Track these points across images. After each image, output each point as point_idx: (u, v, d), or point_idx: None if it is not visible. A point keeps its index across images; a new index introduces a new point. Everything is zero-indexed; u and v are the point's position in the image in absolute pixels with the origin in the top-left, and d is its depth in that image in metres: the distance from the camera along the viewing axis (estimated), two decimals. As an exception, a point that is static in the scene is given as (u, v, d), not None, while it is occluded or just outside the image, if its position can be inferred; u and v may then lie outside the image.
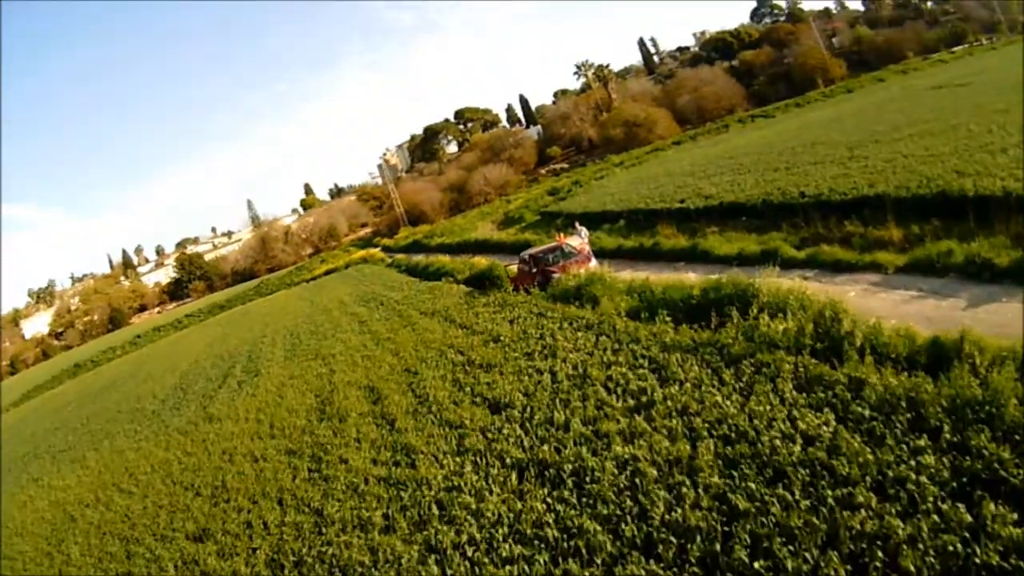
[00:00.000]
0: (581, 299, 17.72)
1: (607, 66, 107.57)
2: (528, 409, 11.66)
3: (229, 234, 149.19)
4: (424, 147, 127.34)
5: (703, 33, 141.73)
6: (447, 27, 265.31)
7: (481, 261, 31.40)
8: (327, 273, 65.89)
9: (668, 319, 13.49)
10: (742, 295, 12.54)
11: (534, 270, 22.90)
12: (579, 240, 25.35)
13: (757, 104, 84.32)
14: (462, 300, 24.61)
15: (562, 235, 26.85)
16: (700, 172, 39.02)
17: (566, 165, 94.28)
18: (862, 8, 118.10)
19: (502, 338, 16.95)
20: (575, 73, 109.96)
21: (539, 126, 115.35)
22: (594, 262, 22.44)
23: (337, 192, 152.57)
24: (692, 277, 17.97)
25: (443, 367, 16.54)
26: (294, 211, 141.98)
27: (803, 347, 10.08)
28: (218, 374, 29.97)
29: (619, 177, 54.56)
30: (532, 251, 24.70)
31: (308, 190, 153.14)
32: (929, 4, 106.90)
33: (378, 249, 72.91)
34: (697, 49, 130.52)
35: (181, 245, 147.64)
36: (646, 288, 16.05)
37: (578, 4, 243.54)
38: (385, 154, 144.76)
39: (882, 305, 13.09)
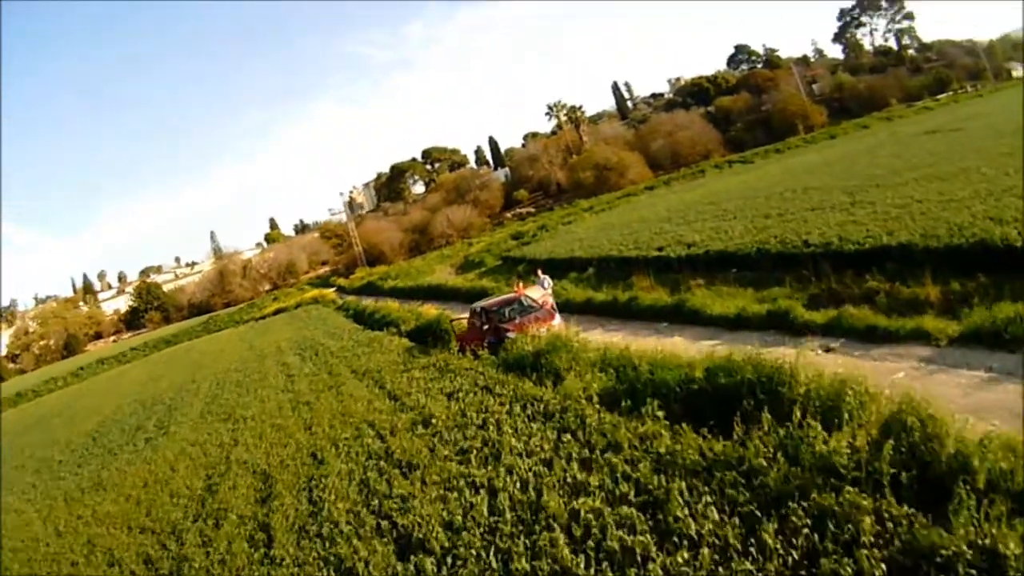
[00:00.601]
0: (540, 371, 13.95)
1: (580, 108, 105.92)
2: (449, 558, 7.77)
3: (192, 264, 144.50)
4: (390, 186, 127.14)
5: (678, 79, 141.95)
6: (422, 66, 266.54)
7: (430, 311, 28.00)
8: (276, 312, 62.87)
9: (660, 412, 9.66)
10: (768, 382, 8.77)
11: (486, 326, 19.23)
12: (541, 291, 21.83)
13: (734, 150, 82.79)
14: (400, 358, 21.04)
15: (521, 285, 23.16)
16: (679, 218, 36.07)
17: (532, 209, 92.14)
18: (841, 56, 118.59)
19: (435, 420, 13.18)
20: (547, 114, 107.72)
21: (507, 168, 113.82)
22: (558, 319, 18.85)
23: (302, 228, 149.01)
24: (681, 344, 14.51)
25: (354, 458, 12.82)
26: (258, 245, 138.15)
27: (882, 483, 6.33)
28: (132, 425, 27.46)
29: (588, 222, 51.45)
30: (485, 303, 21.09)
31: (273, 224, 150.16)
32: (911, 52, 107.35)
33: (332, 289, 70.43)
34: (672, 95, 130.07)
35: (144, 273, 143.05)
36: (626, 362, 12.35)
37: (554, 49, 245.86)
38: (352, 191, 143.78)
39: (947, 392, 9.50)
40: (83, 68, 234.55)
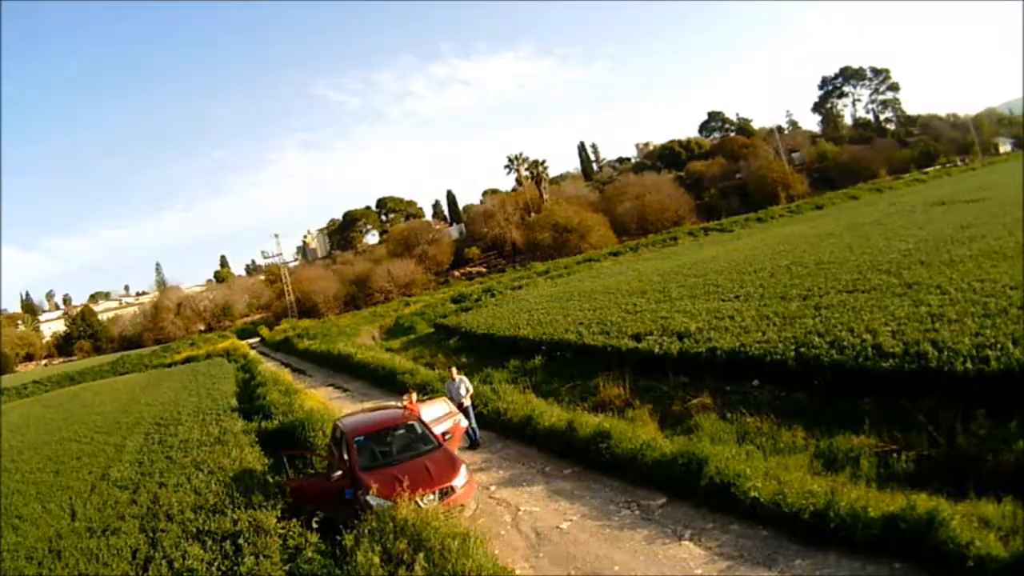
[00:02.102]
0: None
1: (542, 163, 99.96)
2: None
3: (140, 295, 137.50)
4: (342, 233, 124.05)
5: (646, 144, 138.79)
6: (390, 118, 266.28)
7: (314, 397, 20.42)
8: (186, 360, 54.30)
9: None
10: None
11: (338, 472, 11.45)
12: (444, 408, 14.02)
13: (708, 217, 78.22)
14: (220, 497, 12.44)
15: (411, 399, 14.63)
16: (657, 291, 29.05)
17: (483, 269, 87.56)
18: (818, 127, 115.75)
19: None
20: (507, 167, 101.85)
21: (462, 224, 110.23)
22: (462, 477, 11.04)
23: (253, 268, 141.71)
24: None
25: None
26: (208, 282, 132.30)
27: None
28: None
29: (542, 289, 44.18)
30: (352, 421, 13.21)
31: (224, 262, 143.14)
32: (893, 124, 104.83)
33: (248, 342, 64.58)
34: (640, 159, 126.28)
35: (93, 298, 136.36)
36: None
37: (522, 111, 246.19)
38: (306, 236, 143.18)
39: None
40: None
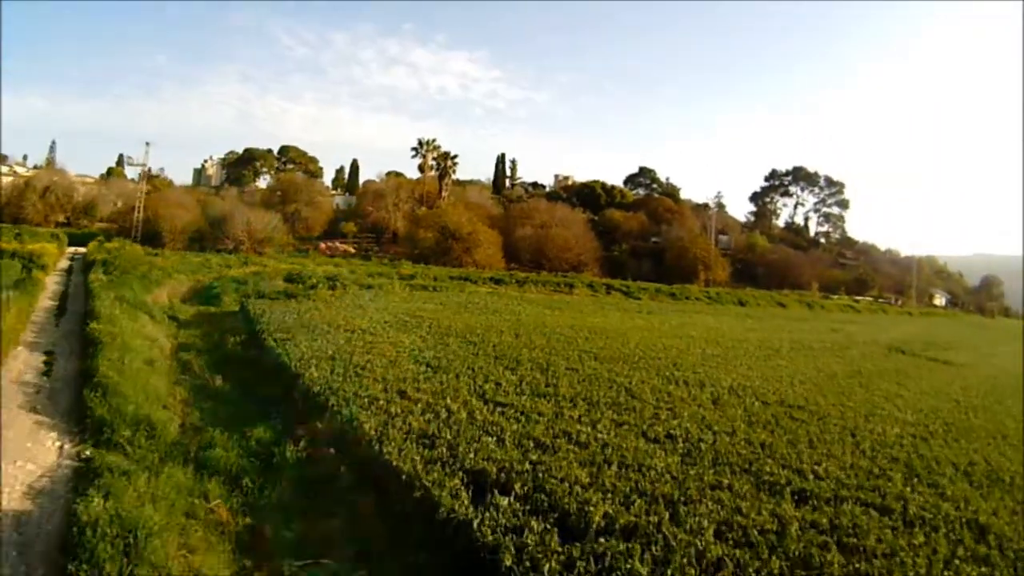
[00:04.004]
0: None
1: (453, 157, 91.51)
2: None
3: (36, 168, 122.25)
4: (237, 169, 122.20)
5: (567, 178, 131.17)
6: (330, 77, 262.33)
7: None
8: None
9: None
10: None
11: None
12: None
13: (612, 271, 70.31)
14: None
15: None
16: (535, 366, 18.67)
17: (352, 249, 77.51)
18: (743, 218, 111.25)
19: None
20: (414, 150, 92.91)
21: (354, 197, 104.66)
22: None
23: (109, 172, 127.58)
24: None
25: None
26: (100, 177, 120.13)
27: None
28: None
29: (392, 300, 33.62)
30: None
31: (120, 161, 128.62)
32: (823, 241, 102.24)
33: (77, 250, 55.29)
34: (556, 189, 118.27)
35: None
36: None
37: (456, 112, 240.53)
38: (206, 162, 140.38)
39: None
40: None
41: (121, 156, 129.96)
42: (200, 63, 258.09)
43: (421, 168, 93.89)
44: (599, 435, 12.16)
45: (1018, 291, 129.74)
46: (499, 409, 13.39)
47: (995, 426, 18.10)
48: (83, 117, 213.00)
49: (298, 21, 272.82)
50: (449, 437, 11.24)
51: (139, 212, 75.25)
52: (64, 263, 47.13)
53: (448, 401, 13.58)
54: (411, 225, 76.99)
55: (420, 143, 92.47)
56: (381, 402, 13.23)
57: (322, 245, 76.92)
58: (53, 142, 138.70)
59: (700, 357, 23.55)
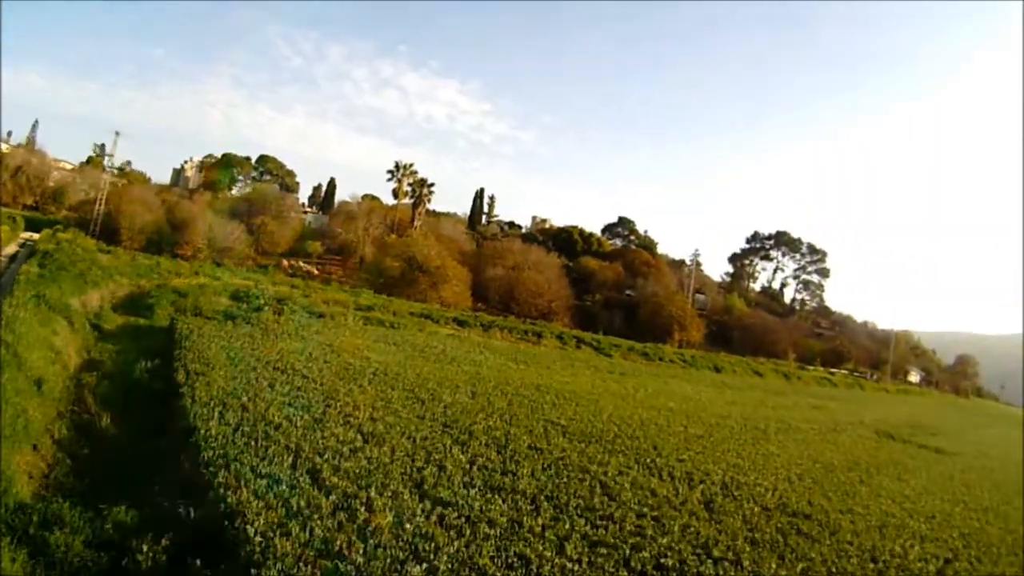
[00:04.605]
0: None
1: (429, 185, 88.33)
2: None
3: (17, 147, 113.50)
4: (213, 173, 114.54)
5: (544, 221, 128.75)
6: (321, 91, 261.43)
7: None
8: None
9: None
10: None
11: None
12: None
13: (583, 322, 67.32)
14: None
15: None
16: (491, 442, 15.63)
17: (315, 271, 72.93)
18: (718, 278, 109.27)
19: None
20: (390, 172, 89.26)
21: (325, 215, 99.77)
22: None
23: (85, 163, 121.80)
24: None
25: None
26: (80, 164, 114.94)
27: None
28: None
29: (343, 334, 30.02)
30: None
31: (102, 150, 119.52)
32: (797, 307, 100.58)
33: (31, 236, 52.53)
34: (532, 231, 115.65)
35: None
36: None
37: (440, 141, 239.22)
38: (186, 162, 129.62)
39: None
40: None
41: (102, 145, 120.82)
42: (195, 61, 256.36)
43: (395, 193, 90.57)
44: (567, 565, 9.02)
45: (991, 370, 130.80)
46: (438, 511, 10.19)
47: (1012, 538, 17.30)
48: (74, 101, 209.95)
49: (298, 30, 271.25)
50: (360, 560, 8.04)
51: (100, 205, 70.56)
52: (12, 248, 44.19)
53: (372, 493, 10.37)
54: (379, 252, 73.73)
55: (397, 166, 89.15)
56: (283, 487, 10.02)
57: (284, 262, 72.75)
58: (36, 121, 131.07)
59: (683, 438, 20.61)
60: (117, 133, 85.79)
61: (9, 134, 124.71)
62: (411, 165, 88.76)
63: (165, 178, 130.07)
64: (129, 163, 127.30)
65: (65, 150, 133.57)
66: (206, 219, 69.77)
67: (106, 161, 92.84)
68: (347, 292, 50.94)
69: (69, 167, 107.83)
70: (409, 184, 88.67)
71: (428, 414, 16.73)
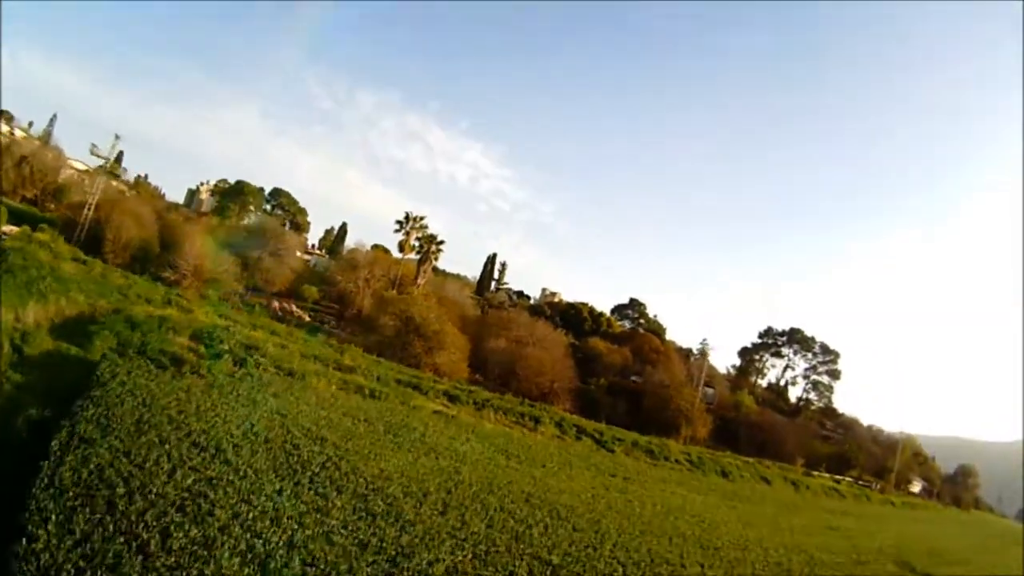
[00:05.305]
0: None
1: (439, 242, 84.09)
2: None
3: (34, 138, 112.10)
4: (225, 199, 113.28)
5: (553, 295, 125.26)
6: (347, 136, 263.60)
7: None
8: None
9: None
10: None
11: None
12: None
13: (585, 407, 62.20)
14: None
15: None
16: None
17: (307, 317, 68.92)
18: (723, 370, 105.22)
19: None
20: (398, 225, 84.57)
21: (331, 260, 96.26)
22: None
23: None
24: None
25: None
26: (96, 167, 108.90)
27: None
28: None
29: (311, 399, 25.53)
30: None
31: (120, 157, 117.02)
32: (804, 408, 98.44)
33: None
34: (539, 303, 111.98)
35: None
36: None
37: (459, 202, 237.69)
38: (201, 185, 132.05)
39: None
40: None
41: (121, 153, 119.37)
42: (228, 87, 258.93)
43: (401, 246, 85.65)
44: None
45: (987, 478, 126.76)
46: None
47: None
48: (108, 106, 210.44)
49: (332, 71, 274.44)
50: None
51: (89, 210, 66.39)
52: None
53: None
54: (376, 303, 69.33)
55: (407, 218, 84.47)
56: None
57: (275, 303, 68.13)
58: (54, 115, 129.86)
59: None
60: (117, 136, 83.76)
61: (30, 124, 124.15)
62: (422, 219, 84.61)
63: (180, 197, 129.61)
64: (145, 176, 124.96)
65: (85, 151, 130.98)
66: (195, 244, 65.03)
67: (94, 160, 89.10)
68: (332, 347, 46.42)
69: (83, 167, 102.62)
70: (417, 238, 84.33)
71: (374, 541, 12.24)
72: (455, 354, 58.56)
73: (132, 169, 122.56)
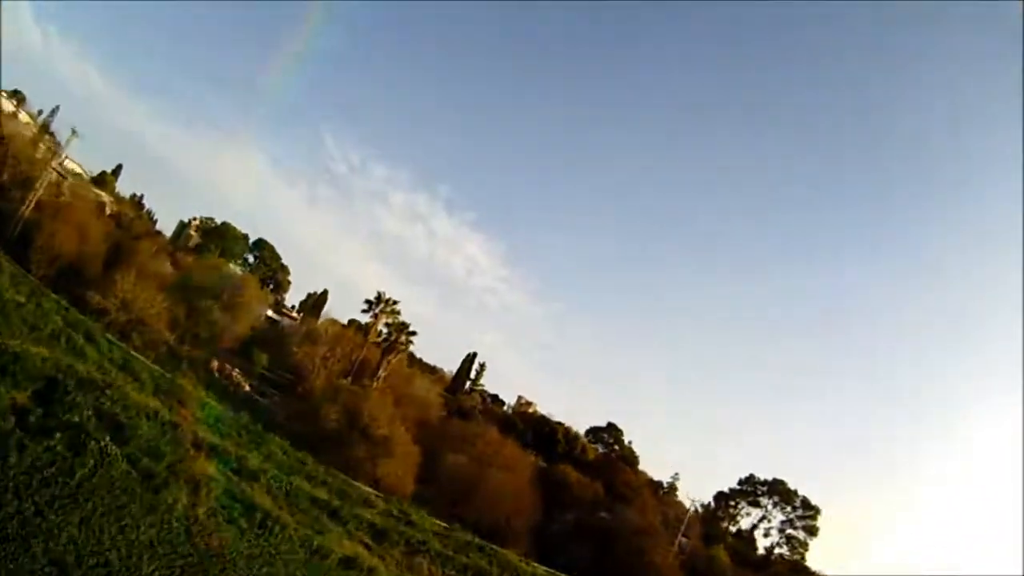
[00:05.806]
0: None
1: (410, 332, 75.69)
2: None
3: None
4: (206, 237, 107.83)
5: (528, 404, 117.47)
6: (352, 204, 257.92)
7: None
8: None
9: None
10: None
11: None
12: None
13: (543, 550, 54.85)
14: None
15: None
16: None
17: (247, 387, 61.05)
18: (688, 503, 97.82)
19: None
20: (367, 305, 75.75)
21: (302, 325, 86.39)
22: None
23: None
24: None
25: None
26: (103, 174, 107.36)
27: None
28: None
29: (150, 533, 18.21)
30: None
31: (117, 171, 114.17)
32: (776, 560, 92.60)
33: None
34: (512, 412, 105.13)
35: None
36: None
37: (452, 293, 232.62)
38: (193, 219, 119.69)
39: None
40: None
41: (119, 166, 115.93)
42: (244, 123, 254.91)
43: (366, 329, 77.37)
44: None
45: None
46: None
47: None
48: (118, 112, 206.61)
49: (349, 134, 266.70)
50: None
51: (25, 208, 60.17)
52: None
53: None
54: (326, 392, 60.94)
55: (378, 298, 75.38)
56: None
57: (214, 362, 60.12)
58: (56, 107, 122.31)
59: None
60: (73, 131, 75.59)
61: (39, 112, 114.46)
62: (395, 303, 75.86)
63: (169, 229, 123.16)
64: (140, 196, 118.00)
65: (89, 159, 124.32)
66: (131, 275, 56.25)
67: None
68: (250, 432, 38.44)
69: (76, 168, 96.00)
70: (387, 323, 75.57)
71: None
72: (402, 466, 51.22)
73: (130, 187, 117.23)
